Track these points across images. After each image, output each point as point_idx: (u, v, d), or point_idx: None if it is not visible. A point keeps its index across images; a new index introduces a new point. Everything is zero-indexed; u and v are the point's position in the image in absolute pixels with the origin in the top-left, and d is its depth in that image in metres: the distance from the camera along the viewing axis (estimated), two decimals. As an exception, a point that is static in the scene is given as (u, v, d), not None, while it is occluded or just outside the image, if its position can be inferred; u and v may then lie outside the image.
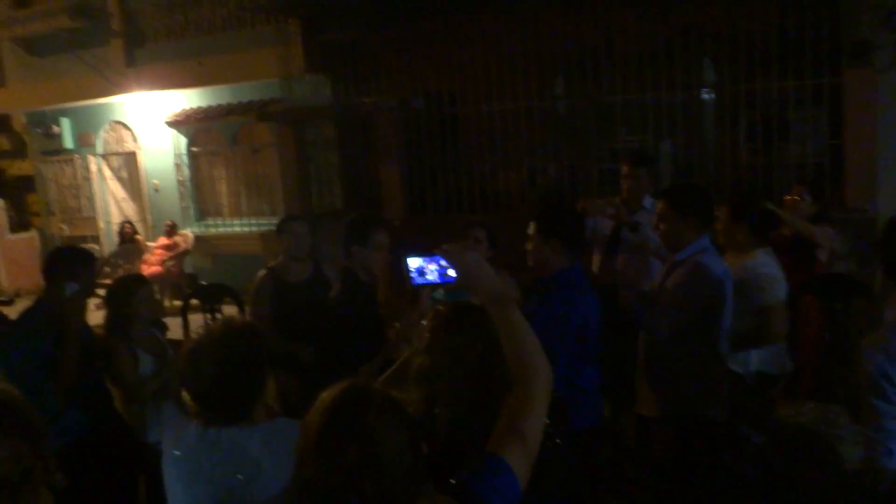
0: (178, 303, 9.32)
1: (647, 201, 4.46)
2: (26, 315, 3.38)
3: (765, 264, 3.52)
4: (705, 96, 7.58)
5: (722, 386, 3.24)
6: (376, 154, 8.50)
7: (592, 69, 7.50)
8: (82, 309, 3.39)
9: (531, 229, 3.14)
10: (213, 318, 5.55)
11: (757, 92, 6.90)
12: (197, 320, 5.82)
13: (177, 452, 2.08)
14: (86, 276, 3.40)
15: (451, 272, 1.77)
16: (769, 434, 3.55)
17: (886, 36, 6.27)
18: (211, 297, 5.62)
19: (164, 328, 4.11)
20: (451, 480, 1.49)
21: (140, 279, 3.79)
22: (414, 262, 1.82)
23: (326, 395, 1.46)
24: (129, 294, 3.52)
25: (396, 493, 1.37)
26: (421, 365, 1.92)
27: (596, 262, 4.68)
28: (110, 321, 3.51)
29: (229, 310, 5.88)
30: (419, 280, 1.83)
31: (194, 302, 5.92)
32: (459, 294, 3.05)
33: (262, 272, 4.44)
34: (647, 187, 4.51)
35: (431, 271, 1.81)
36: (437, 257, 1.78)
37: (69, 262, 3.39)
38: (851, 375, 4.19)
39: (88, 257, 3.55)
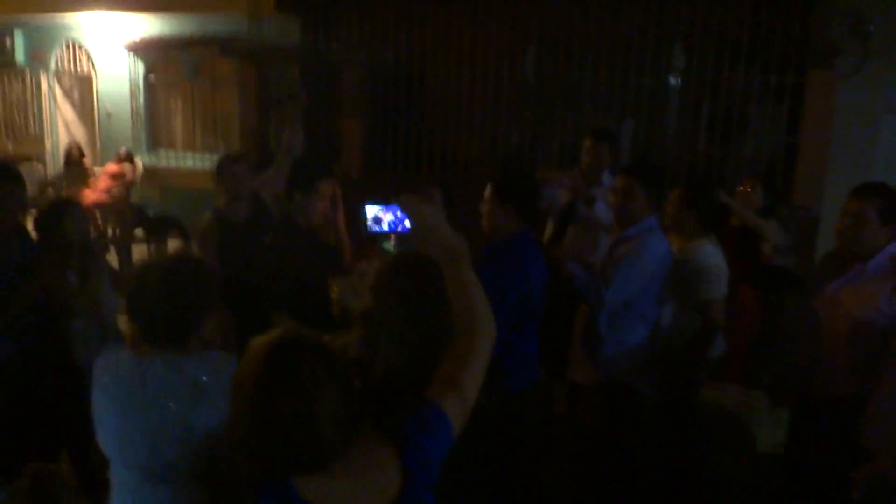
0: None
1: (606, 177, 4.51)
2: None
3: (711, 254, 3.56)
4: (672, 82, 7.65)
5: (652, 362, 3.34)
6: (339, 104, 8.38)
7: (564, 45, 7.50)
8: (54, 264, 3.27)
9: (487, 192, 3.15)
10: (158, 249, 5.47)
11: (722, 83, 7.00)
12: (141, 251, 5.74)
13: (107, 379, 2.06)
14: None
15: (407, 223, 1.77)
16: (693, 413, 3.67)
17: (853, 43, 6.41)
18: (157, 228, 5.52)
19: (106, 251, 4.03)
20: (388, 420, 1.50)
21: (69, 201, 3.70)
22: (371, 211, 1.82)
23: (259, 347, 1.41)
24: (59, 217, 3.43)
25: (333, 444, 1.36)
26: (364, 306, 1.94)
27: (548, 232, 4.73)
28: (42, 243, 3.43)
29: (174, 244, 5.80)
30: (375, 228, 1.83)
31: (139, 233, 5.82)
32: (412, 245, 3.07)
33: (206, 214, 4.37)
34: (607, 164, 4.56)
35: (387, 221, 1.82)
36: (394, 207, 1.78)
37: None
38: (777, 364, 4.37)
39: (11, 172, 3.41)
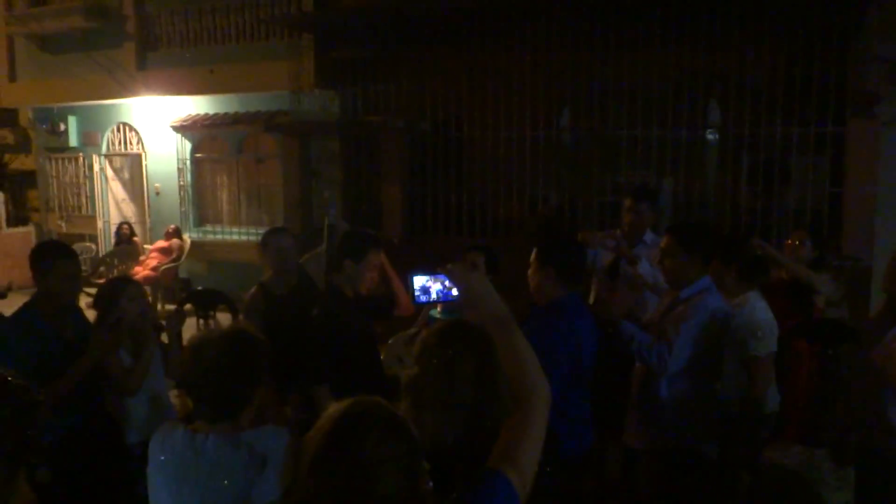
0: (170, 307, 9.30)
1: (648, 236, 4.48)
2: (23, 313, 3.34)
3: (758, 308, 3.50)
4: (710, 137, 7.65)
5: (714, 423, 3.25)
6: (379, 172, 8.54)
7: (599, 103, 7.57)
8: (108, 342, 3.32)
9: (532, 256, 3.17)
10: (206, 324, 5.55)
11: (760, 136, 6.97)
12: (190, 325, 5.82)
13: (163, 457, 2.08)
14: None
15: (455, 291, 1.78)
16: (756, 474, 3.55)
17: (892, 89, 6.36)
18: (205, 302, 5.62)
19: (160, 329, 4.11)
20: (453, 494, 1.47)
21: (126, 279, 3.80)
22: (419, 281, 1.84)
23: (330, 413, 1.42)
24: (116, 294, 3.52)
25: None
26: (411, 375, 1.93)
27: (594, 293, 4.70)
28: (98, 321, 3.51)
29: (223, 317, 5.88)
30: (423, 298, 1.84)
31: (188, 307, 5.91)
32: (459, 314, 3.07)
33: (253, 289, 4.44)
34: (648, 222, 4.54)
35: (435, 290, 1.83)
36: (442, 276, 1.80)
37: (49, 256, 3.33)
38: (838, 420, 4.21)
39: (68, 251, 3.50)
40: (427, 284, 1.84)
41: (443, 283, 1.81)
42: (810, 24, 6.57)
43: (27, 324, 3.28)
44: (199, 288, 7.83)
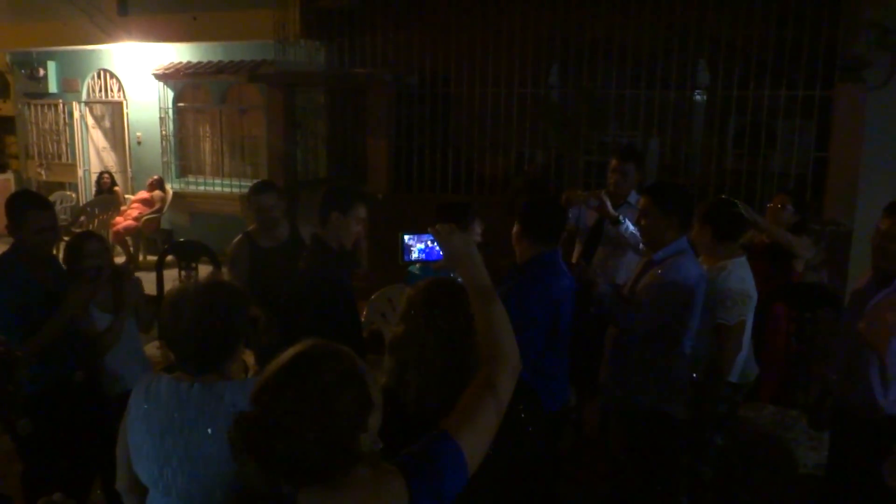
0: (152, 258, 9.25)
1: (633, 197, 4.49)
2: (1, 264, 3.30)
3: (734, 278, 3.45)
4: (697, 98, 7.62)
5: (684, 385, 3.29)
6: (365, 126, 8.45)
7: (588, 61, 7.50)
8: (83, 294, 3.30)
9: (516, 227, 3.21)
10: (188, 275, 5.53)
11: (748, 98, 6.95)
12: (172, 276, 5.80)
13: (146, 406, 2.08)
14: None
15: (439, 251, 1.78)
16: (729, 435, 3.61)
17: (881, 54, 6.35)
18: (187, 254, 5.59)
19: (137, 280, 4.06)
20: (401, 452, 1.49)
21: (87, 234, 3.72)
22: (406, 239, 1.84)
23: (286, 353, 1.46)
24: (78, 249, 3.48)
25: (343, 453, 1.38)
26: (395, 333, 1.94)
27: (577, 252, 4.72)
28: (71, 274, 3.47)
29: (205, 269, 5.86)
30: (408, 256, 1.85)
31: (169, 258, 5.88)
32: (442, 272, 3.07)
33: (238, 237, 4.43)
34: (633, 183, 4.55)
35: (418, 248, 1.84)
36: (427, 236, 1.80)
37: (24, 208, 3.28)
38: (813, 384, 4.29)
39: (42, 202, 3.45)
40: (411, 243, 1.84)
41: (427, 243, 1.81)
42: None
43: (5, 274, 3.24)
44: (182, 240, 7.78)
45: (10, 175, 12.66)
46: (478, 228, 3.59)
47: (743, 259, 3.55)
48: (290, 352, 1.46)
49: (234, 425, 1.45)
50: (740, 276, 3.47)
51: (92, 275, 3.32)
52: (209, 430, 1.99)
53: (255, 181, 4.83)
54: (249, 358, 4.53)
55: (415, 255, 1.82)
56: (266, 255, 4.32)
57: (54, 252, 3.68)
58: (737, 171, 7.16)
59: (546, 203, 3.34)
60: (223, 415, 2.00)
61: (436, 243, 1.78)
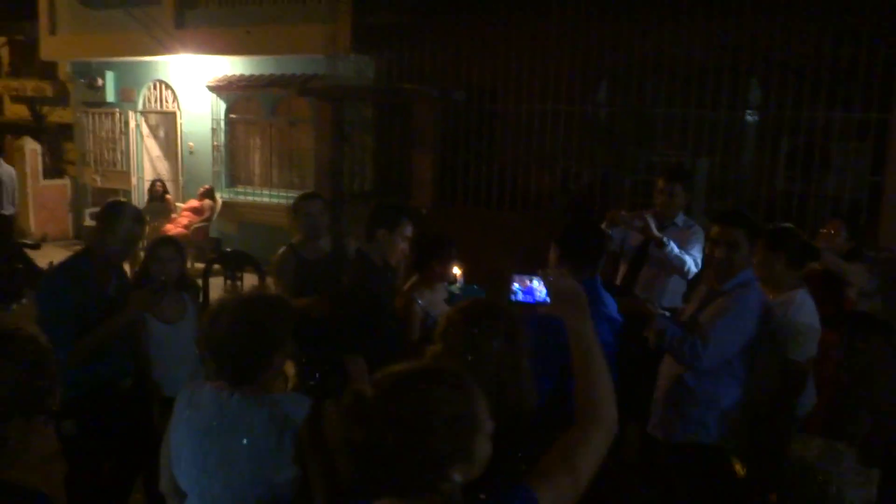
0: (200, 265, 9.42)
1: (680, 218, 4.42)
2: (73, 262, 3.42)
3: (805, 312, 3.33)
4: (749, 118, 7.48)
5: (742, 422, 3.18)
6: (411, 141, 8.50)
7: (637, 78, 7.44)
8: (145, 300, 3.36)
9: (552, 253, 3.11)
10: (234, 285, 5.61)
11: (802, 119, 6.80)
12: (218, 284, 5.91)
13: (188, 412, 2.13)
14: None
15: (541, 293, 1.74)
16: (779, 469, 3.50)
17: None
18: (233, 263, 5.68)
19: (197, 290, 4.14)
20: (481, 496, 1.44)
21: (165, 240, 3.82)
22: (519, 280, 1.80)
23: (396, 370, 1.45)
24: (153, 252, 3.58)
25: (441, 463, 1.35)
26: (432, 351, 1.94)
27: (621, 274, 4.65)
28: (136, 280, 3.56)
29: (250, 278, 5.94)
30: (518, 297, 1.80)
31: (217, 267, 5.98)
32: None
33: (282, 249, 4.48)
34: (681, 204, 4.47)
35: (522, 290, 1.79)
36: (531, 276, 1.76)
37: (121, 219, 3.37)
38: (864, 417, 4.14)
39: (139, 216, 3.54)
40: (522, 285, 1.79)
41: (532, 283, 1.76)
42: (860, 3, 6.36)
43: (76, 273, 3.34)
44: (229, 249, 7.91)
45: (66, 180, 13.05)
46: (407, 231, 3.52)
47: (806, 291, 3.42)
48: (397, 369, 1.45)
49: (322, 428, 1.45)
50: (810, 309, 3.35)
51: (158, 287, 3.37)
52: (244, 441, 2.02)
53: (302, 192, 4.88)
54: (290, 368, 4.57)
55: (517, 296, 1.76)
56: (310, 266, 4.36)
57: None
58: (788, 194, 7.00)
59: (585, 228, 3.21)
60: (260, 427, 2.02)
61: (542, 286, 1.75)
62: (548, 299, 1.75)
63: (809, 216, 6.62)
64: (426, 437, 1.34)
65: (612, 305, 3.05)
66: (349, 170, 9.10)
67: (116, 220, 3.33)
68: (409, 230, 3.54)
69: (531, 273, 1.79)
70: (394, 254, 3.56)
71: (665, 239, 4.20)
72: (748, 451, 3.26)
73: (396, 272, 3.77)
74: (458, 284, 3.52)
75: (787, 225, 3.79)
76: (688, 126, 7.32)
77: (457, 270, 3.60)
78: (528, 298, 1.79)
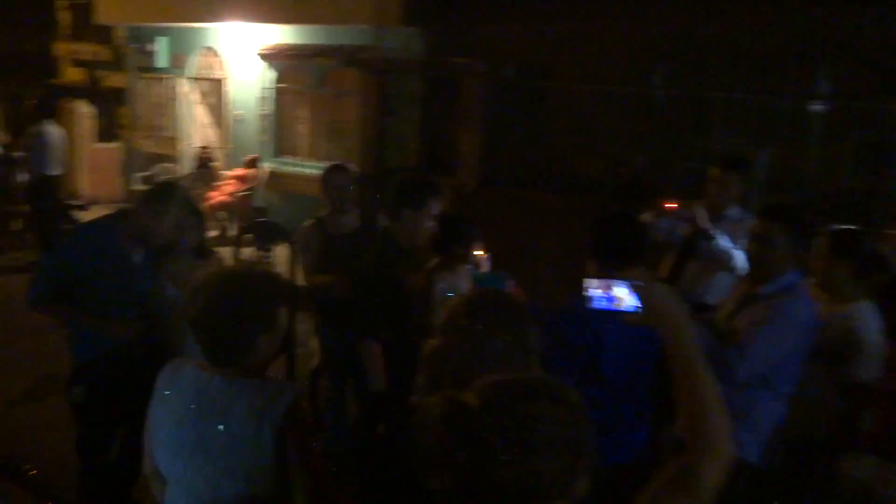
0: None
1: (733, 211, 4.10)
2: (101, 222, 3.39)
3: (869, 325, 2.99)
4: (816, 108, 7.03)
5: (781, 441, 2.90)
6: (458, 117, 8.26)
7: (697, 61, 7.06)
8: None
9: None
10: (265, 256, 5.50)
11: (875, 112, 6.34)
12: (250, 255, 5.81)
13: (167, 392, 1.99)
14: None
15: (628, 302, 1.51)
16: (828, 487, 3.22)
17: None
18: (265, 234, 5.55)
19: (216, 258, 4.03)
20: None
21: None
22: (593, 284, 1.57)
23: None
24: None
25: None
26: (431, 346, 1.71)
27: (666, 266, 4.36)
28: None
29: (281, 250, 5.82)
30: (600, 304, 1.56)
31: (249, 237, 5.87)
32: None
33: (309, 222, 4.33)
34: (736, 196, 4.15)
35: (603, 296, 1.55)
36: (620, 283, 1.53)
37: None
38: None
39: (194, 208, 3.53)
40: (593, 289, 1.55)
41: (614, 290, 1.53)
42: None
43: (99, 234, 3.29)
44: (262, 220, 7.81)
45: (119, 144, 13.18)
46: (434, 209, 3.28)
47: (871, 303, 3.06)
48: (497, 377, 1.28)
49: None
50: (876, 323, 3.03)
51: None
52: (220, 427, 1.86)
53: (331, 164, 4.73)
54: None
55: (599, 304, 1.52)
56: (336, 241, 4.21)
57: None
58: (854, 192, 6.56)
59: (622, 223, 2.82)
60: (236, 414, 1.86)
61: (628, 293, 1.51)
62: (635, 308, 1.51)
63: (878, 216, 6.18)
64: (534, 461, 1.17)
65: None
66: (393, 144, 8.91)
67: (166, 205, 3.26)
68: (436, 208, 3.31)
69: (614, 278, 1.55)
70: (420, 235, 3.35)
71: (714, 231, 3.89)
72: (792, 475, 2.96)
73: (423, 252, 3.55)
74: (481, 268, 3.28)
75: (855, 227, 3.42)
76: (749, 114, 6.96)
77: (480, 253, 3.35)
78: (609, 306, 1.55)
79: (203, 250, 3.66)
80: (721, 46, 6.92)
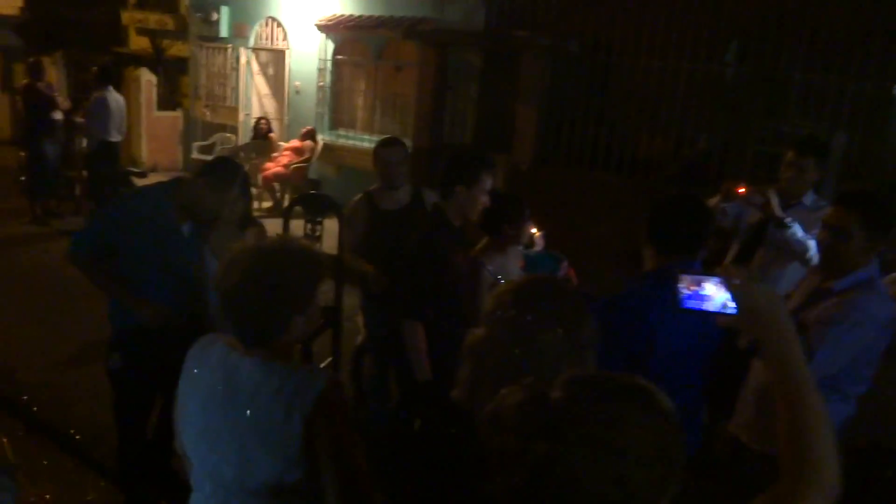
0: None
1: (808, 198, 3.82)
2: (153, 190, 3.35)
3: None
4: (899, 90, 6.60)
5: (842, 446, 2.66)
6: (517, 93, 8.01)
7: (773, 38, 6.67)
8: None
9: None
10: (313, 229, 5.40)
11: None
12: (298, 228, 5.73)
13: (196, 370, 1.88)
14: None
15: (726, 303, 1.32)
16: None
17: None
18: (314, 207, 5.46)
19: (262, 229, 3.96)
20: None
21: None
22: (687, 281, 1.37)
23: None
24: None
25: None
26: (475, 336, 1.54)
27: (731, 254, 4.11)
28: None
29: (331, 224, 5.72)
30: (691, 304, 1.37)
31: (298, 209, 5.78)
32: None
33: (358, 196, 4.21)
34: (811, 181, 3.86)
35: (692, 294, 1.36)
36: (713, 279, 1.34)
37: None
38: None
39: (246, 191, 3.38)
40: (689, 288, 1.36)
41: (702, 286, 1.33)
42: None
43: (153, 199, 3.23)
44: (312, 192, 7.73)
45: (179, 113, 13.32)
46: (487, 185, 3.10)
47: None
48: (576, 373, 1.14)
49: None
50: None
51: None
52: (247, 412, 1.74)
53: (407, 138, 4.60)
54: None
55: (689, 303, 1.32)
56: (384, 217, 4.09)
57: None
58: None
59: (682, 207, 2.56)
60: (264, 399, 1.74)
61: (722, 290, 1.32)
62: (730, 310, 1.31)
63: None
64: (617, 466, 1.02)
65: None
66: (451, 120, 8.73)
67: (224, 182, 3.13)
68: (489, 183, 3.15)
69: (704, 273, 1.35)
70: (474, 210, 3.20)
71: (788, 219, 3.62)
72: (856, 482, 2.73)
73: (473, 230, 3.40)
74: (535, 248, 3.11)
75: None
76: (827, 96, 6.57)
77: (535, 231, 3.17)
78: (696, 305, 1.35)
79: (246, 220, 3.57)
80: (798, 23, 6.52)
